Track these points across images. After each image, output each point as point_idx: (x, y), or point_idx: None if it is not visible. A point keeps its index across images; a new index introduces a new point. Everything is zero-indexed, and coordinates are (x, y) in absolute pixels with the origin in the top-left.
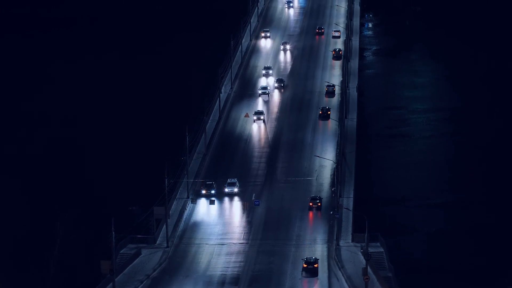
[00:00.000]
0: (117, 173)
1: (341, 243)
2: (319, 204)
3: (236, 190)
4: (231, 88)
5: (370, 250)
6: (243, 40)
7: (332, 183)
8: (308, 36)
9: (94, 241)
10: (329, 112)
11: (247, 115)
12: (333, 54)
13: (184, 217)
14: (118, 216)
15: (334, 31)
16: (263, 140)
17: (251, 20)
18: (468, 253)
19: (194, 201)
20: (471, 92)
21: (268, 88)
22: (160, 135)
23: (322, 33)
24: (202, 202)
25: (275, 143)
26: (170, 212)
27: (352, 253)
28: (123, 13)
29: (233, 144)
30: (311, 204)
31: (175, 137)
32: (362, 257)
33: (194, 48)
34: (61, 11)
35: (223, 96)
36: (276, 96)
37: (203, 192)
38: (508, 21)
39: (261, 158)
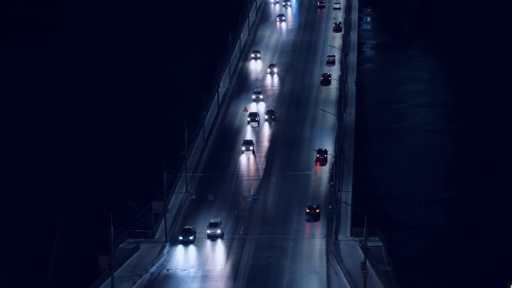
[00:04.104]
0: (115, 168)
1: (340, 237)
2: (325, 156)
3: (219, 231)
4: (230, 82)
5: (369, 244)
6: (242, 35)
7: (331, 178)
8: (307, 31)
9: (93, 236)
10: (329, 78)
11: (245, 110)
12: (334, 27)
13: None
14: (116, 211)
15: (335, 3)
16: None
17: (249, 15)
18: (467, 249)
19: (192, 195)
20: (470, 87)
21: (258, 115)
22: (158, 130)
23: (323, 7)
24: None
25: (273, 138)
26: (169, 206)
27: (351, 247)
28: (123, 13)
29: (231, 138)
30: (318, 155)
31: (174, 132)
32: (360, 251)
33: (194, 45)
34: (60, 13)
35: (221, 90)
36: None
37: (180, 238)
38: (507, 16)
39: (260, 153)
